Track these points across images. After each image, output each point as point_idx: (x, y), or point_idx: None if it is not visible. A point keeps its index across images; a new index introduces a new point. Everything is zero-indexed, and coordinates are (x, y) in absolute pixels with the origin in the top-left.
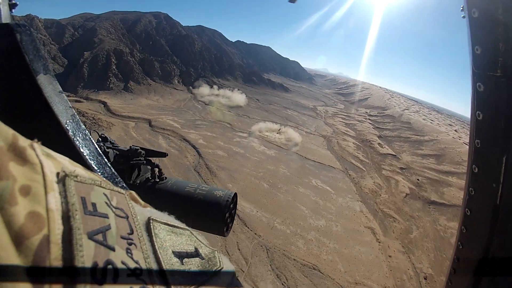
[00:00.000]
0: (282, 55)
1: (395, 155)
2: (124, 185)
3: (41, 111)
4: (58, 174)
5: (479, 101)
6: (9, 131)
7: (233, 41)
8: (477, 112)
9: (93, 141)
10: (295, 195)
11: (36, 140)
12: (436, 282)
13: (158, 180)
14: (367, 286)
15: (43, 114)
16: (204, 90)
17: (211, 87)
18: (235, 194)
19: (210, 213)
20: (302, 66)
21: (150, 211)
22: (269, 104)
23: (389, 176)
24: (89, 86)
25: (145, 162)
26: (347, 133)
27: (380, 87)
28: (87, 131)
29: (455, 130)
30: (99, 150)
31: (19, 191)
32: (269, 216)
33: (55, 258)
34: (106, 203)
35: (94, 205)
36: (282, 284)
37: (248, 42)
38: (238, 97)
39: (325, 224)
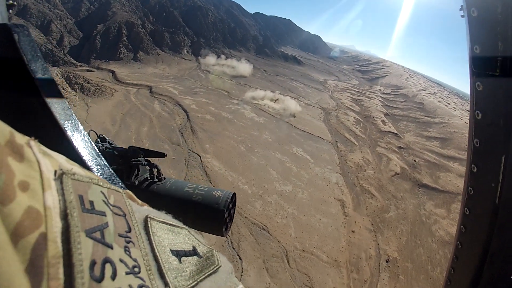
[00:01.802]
0: (303, 29)
1: (396, 134)
2: (123, 186)
3: (39, 111)
4: (55, 172)
5: (478, 101)
6: (6, 128)
7: (252, 12)
8: (476, 111)
9: (91, 141)
10: (270, 159)
11: (33, 138)
12: (399, 268)
13: (156, 180)
14: (314, 255)
15: (42, 115)
16: (210, 59)
17: (218, 56)
18: (234, 194)
19: (209, 213)
20: (327, 41)
21: (148, 210)
22: (276, 75)
23: (383, 153)
24: (101, 56)
25: (144, 162)
26: (351, 108)
27: (403, 66)
28: (85, 132)
29: None
30: (98, 151)
31: (18, 185)
32: (235, 176)
33: (52, 255)
34: (104, 201)
35: (91, 203)
36: (226, 238)
37: (267, 14)
38: (243, 67)
39: (291, 190)
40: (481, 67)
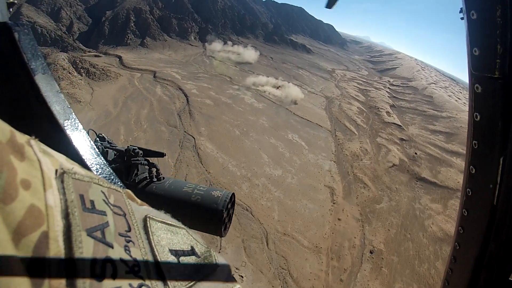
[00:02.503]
0: (315, 17)
1: (400, 126)
2: (122, 185)
3: (39, 111)
4: (56, 171)
5: (477, 103)
6: (6, 128)
7: (263, 0)
8: (475, 113)
9: (91, 141)
10: (263, 144)
11: (33, 137)
12: (383, 260)
13: (155, 180)
14: (295, 239)
15: (41, 114)
16: (216, 45)
17: (225, 43)
18: (233, 194)
19: (208, 213)
20: (341, 31)
21: (147, 209)
22: (282, 63)
23: (383, 144)
24: (109, 42)
25: (143, 162)
26: (356, 98)
27: (416, 59)
28: (85, 132)
29: None
30: (97, 151)
31: (20, 183)
32: (226, 158)
33: (54, 254)
34: (104, 200)
35: (92, 202)
36: None
37: (279, 2)
38: (249, 54)
39: (280, 174)
40: (480, 69)
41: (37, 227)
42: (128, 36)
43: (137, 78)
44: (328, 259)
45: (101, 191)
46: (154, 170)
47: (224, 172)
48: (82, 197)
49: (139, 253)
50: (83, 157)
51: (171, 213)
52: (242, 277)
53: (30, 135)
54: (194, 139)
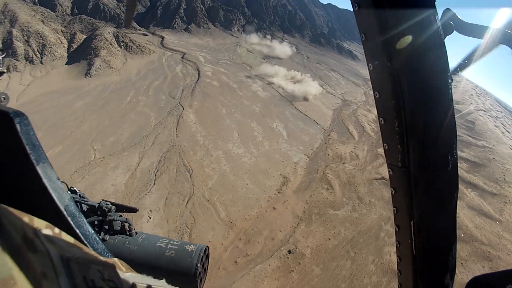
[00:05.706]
0: None
1: None
2: (109, 254)
3: (41, 197)
4: (61, 257)
5: (391, 181)
6: (19, 223)
7: (324, 3)
8: (391, 188)
9: (87, 224)
10: (242, 125)
11: (38, 225)
12: (299, 266)
13: (128, 234)
14: (214, 209)
15: (43, 200)
16: (253, 37)
17: (264, 36)
18: (207, 247)
19: (183, 268)
20: None
21: (133, 276)
22: (316, 63)
23: (382, 155)
24: (159, 24)
25: (116, 218)
26: None
27: (476, 85)
28: (82, 216)
29: None
30: (94, 232)
31: (41, 275)
32: (199, 129)
33: None
34: (101, 277)
35: (92, 281)
36: (156, 166)
37: (340, 7)
38: (281, 49)
39: (239, 153)
40: (389, 159)
41: None
42: (176, 21)
43: (166, 56)
44: (236, 237)
45: (98, 270)
46: (126, 225)
47: (190, 139)
48: (85, 278)
49: None
50: (81, 238)
51: (146, 269)
52: (150, 218)
53: (29, 211)
54: (183, 109)
